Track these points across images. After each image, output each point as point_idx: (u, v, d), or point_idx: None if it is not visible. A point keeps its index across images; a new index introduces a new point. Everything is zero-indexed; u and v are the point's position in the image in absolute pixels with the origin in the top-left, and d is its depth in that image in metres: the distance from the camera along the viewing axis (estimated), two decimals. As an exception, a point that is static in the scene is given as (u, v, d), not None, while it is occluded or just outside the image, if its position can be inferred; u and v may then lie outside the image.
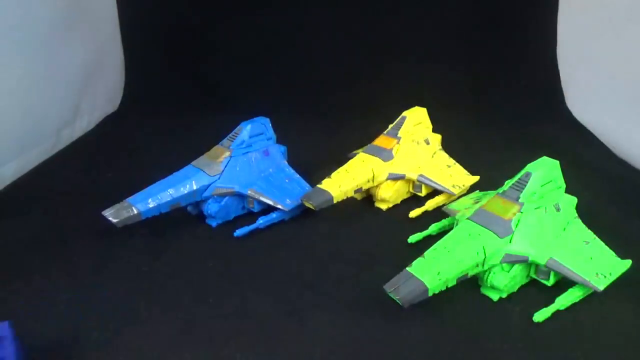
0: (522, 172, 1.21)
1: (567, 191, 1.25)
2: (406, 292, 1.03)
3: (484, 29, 2.46)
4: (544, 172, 1.19)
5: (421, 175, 1.54)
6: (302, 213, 1.47)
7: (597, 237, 1.19)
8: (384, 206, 1.54)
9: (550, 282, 1.15)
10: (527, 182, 1.18)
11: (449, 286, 1.09)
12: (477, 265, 1.11)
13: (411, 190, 1.59)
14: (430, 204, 1.53)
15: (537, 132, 2.06)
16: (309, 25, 2.59)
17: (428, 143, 1.62)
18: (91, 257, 1.34)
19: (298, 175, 1.55)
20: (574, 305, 1.12)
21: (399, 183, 1.55)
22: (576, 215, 1.23)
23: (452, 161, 1.62)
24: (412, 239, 1.38)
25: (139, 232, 1.41)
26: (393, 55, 2.51)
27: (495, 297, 1.15)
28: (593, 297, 1.13)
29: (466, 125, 2.12)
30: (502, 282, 1.12)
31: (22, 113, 1.83)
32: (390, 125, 1.62)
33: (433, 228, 1.38)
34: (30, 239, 1.43)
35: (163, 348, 1.04)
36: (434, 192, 1.56)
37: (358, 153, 1.61)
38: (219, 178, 1.46)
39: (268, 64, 2.59)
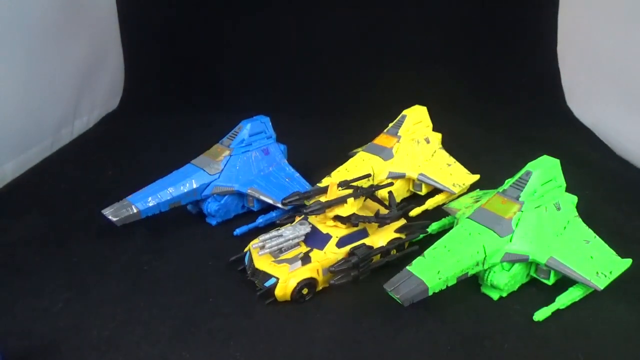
0: (523, 170, 1.21)
1: (568, 190, 1.25)
2: (406, 291, 1.03)
3: (484, 29, 2.47)
4: (545, 171, 1.19)
5: (421, 174, 1.54)
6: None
7: (597, 236, 1.18)
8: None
9: (550, 281, 1.15)
10: (527, 181, 1.18)
11: (449, 285, 1.09)
12: (478, 264, 1.11)
13: (411, 189, 1.59)
14: (430, 203, 1.53)
15: (538, 131, 2.06)
16: (310, 25, 2.59)
17: (428, 142, 1.62)
18: (91, 256, 1.34)
19: (298, 174, 1.55)
20: (574, 304, 1.12)
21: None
22: (576, 214, 1.23)
23: (452, 160, 1.62)
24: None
25: (138, 230, 1.41)
26: (394, 55, 2.52)
27: (495, 296, 1.15)
28: (593, 296, 1.12)
29: (466, 124, 2.12)
30: (503, 281, 1.12)
31: (22, 111, 1.83)
32: (391, 124, 1.62)
33: (433, 227, 1.38)
34: (30, 238, 1.43)
35: (163, 348, 1.04)
36: (434, 191, 1.56)
37: (358, 152, 1.61)
38: (218, 177, 1.46)
39: (268, 63, 2.60)
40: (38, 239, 1.42)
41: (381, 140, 1.59)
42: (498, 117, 2.23)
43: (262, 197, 1.45)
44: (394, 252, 1.26)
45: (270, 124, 1.57)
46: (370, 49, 2.55)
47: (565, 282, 1.14)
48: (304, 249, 1.20)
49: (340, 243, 1.21)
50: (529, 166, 1.21)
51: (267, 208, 1.47)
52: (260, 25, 2.60)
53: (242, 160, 1.50)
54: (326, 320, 1.11)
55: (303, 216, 1.26)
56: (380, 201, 1.37)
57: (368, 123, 1.76)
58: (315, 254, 1.19)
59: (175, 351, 1.03)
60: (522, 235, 1.14)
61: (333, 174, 1.51)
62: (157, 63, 2.62)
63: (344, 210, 1.21)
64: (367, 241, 1.23)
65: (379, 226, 1.26)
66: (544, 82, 2.32)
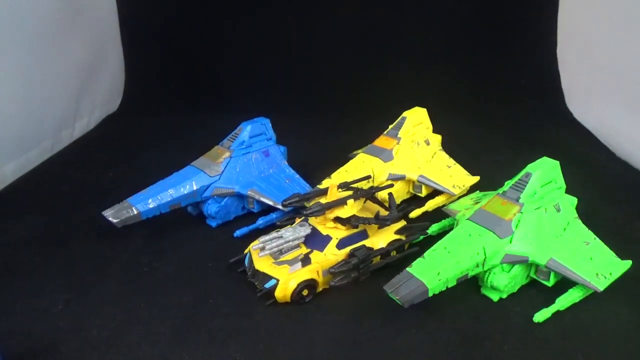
0: (522, 172, 1.21)
1: (567, 191, 1.25)
2: (406, 293, 1.03)
3: (484, 30, 2.47)
4: (544, 172, 1.19)
5: (421, 176, 1.54)
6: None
7: (597, 238, 1.19)
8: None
9: (550, 282, 1.15)
10: (527, 183, 1.18)
11: (449, 286, 1.09)
12: (477, 266, 1.11)
13: (411, 190, 1.59)
14: (430, 205, 1.53)
15: (538, 133, 2.07)
16: (310, 25, 2.59)
17: (428, 143, 1.62)
18: (91, 257, 1.34)
19: (298, 176, 1.55)
20: (573, 305, 1.12)
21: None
22: (576, 215, 1.23)
23: (452, 161, 1.62)
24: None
25: (139, 232, 1.41)
26: (394, 56, 2.52)
27: (495, 297, 1.15)
28: (593, 298, 1.13)
29: (466, 126, 2.12)
30: (503, 283, 1.12)
31: (23, 113, 1.83)
32: (391, 126, 1.62)
33: (433, 228, 1.38)
34: (30, 238, 1.43)
35: (163, 348, 1.04)
36: (434, 193, 1.56)
37: (358, 153, 1.61)
38: (219, 178, 1.46)
39: (268, 64, 2.60)
40: (38, 240, 1.42)
41: (381, 141, 1.60)
42: (498, 117, 2.24)
43: (262, 199, 1.45)
44: (394, 253, 1.26)
45: (270, 125, 1.57)
46: (370, 49, 2.56)
47: (565, 283, 1.14)
48: (304, 250, 1.20)
49: (340, 244, 1.21)
50: (529, 167, 1.21)
51: (267, 209, 1.47)
52: (260, 26, 2.60)
53: (242, 162, 1.50)
54: (326, 321, 1.11)
55: (303, 218, 1.26)
56: (380, 203, 1.37)
57: (368, 124, 1.76)
58: (315, 256, 1.19)
59: (175, 352, 1.03)
60: (522, 237, 1.14)
61: (333, 175, 1.51)
62: (158, 64, 2.62)
63: (344, 212, 1.21)
64: (367, 242, 1.24)
65: (379, 228, 1.27)
66: (543, 83, 2.32)
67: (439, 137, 1.66)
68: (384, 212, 1.29)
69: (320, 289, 1.19)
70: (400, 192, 1.55)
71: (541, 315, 1.08)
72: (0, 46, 1.71)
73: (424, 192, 1.56)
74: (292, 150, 1.65)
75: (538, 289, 1.17)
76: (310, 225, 1.24)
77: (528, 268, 1.17)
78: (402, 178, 1.54)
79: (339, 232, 1.22)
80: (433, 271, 1.06)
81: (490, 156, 1.86)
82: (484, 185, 1.55)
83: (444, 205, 1.46)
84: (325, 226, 1.23)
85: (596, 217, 1.31)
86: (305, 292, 1.15)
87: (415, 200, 1.56)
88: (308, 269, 1.16)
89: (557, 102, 2.26)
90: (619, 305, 1.12)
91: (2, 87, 1.72)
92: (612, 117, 1.92)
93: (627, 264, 1.15)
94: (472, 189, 1.56)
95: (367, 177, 1.46)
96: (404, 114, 1.61)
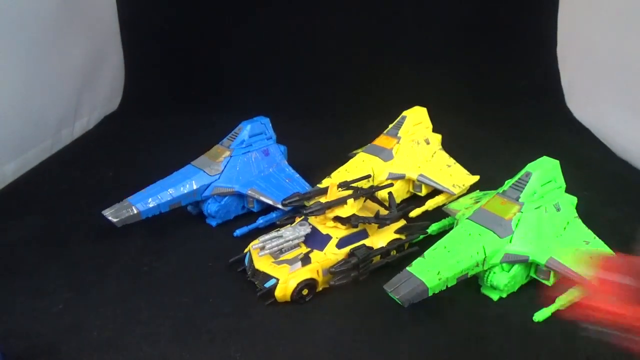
0: (522, 171, 1.21)
1: (567, 191, 1.25)
2: (406, 292, 1.03)
3: (484, 30, 2.47)
4: (544, 171, 1.19)
5: (421, 175, 1.54)
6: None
7: (597, 237, 1.18)
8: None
9: (550, 282, 1.15)
10: (527, 182, 1.18)
11: (449, 286, 1.09)
12: (477, 265, 1.11)
13: (411, 190, 1.59)
14: (430, 204, 1.53)
15: (537, 132, 2.07)
16: (310, 25, 2.59)
17: (428, 143, 1.62)
18: (91, 257, 1.34)
19: (298, 175, 1.55)
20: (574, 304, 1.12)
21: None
22: (576, 214, 1.23)
23: (452, 161, 1.62)
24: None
25: (139, 231, 1.41)
26: (394, 56, 2.52)
27: (495, 297, 1.15)
28: (593, 297, 1.12)
29: (466, 125, 2.12)
30: (502, 282, 1.12)
31: (22, 113, 1.83)
32: (390, 125, 1.62)
33: (433, 228, 1.38)
34: (30, 238, 1.43)
35: (163, 348, 1.04)
36: (434, 192, 1.56)
37: (358, 153, 1.61)
38: (219, 178, 1.46)
39: (268, 64, 2.60)
40: (38, 239, 1.42)
41: (381, 141, 1.60)
42: (498, 117, 2.23)
43: (262, 198, 1.45)
44: (393, 252, 1.26)
45: (270, 125, 1.58)
46: (370, 49, 2.56)
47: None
48: (304, 249, 1.20)
49: (340, 244, 1.21)
50: (529, 167, 1.21)
51: (267, 209, 1.47)
52: (260, 26, 2.61)
53: (242, 161, 1.50)
54: (326, 320, 1.11)
55: (303, 217, 1.26)
56: (380, 202, 1.37)
57: (368, 124, 1.76)
58: (315, 255, 1.19)
59: (175, 352, 1.03)
60: (522, 236, 1.14)
61: (333, 174, 1.51)
62: (158, 64, 2.62)
63: (344, 211, 1.21)
64: (367, 242, 1.24)
65: (379, 227, 1.27)
66: (544, 82, 2.32)
67: (438, 137, 1.66)
68: (384, 212, 1.29)
69: (320, 288, 1.19)
70: (400, 191, 1.55)
71: (541, 315, 1.08)
72: (0, 46, 1.71)
73: (423, 192, 1.56)
74: (292, 149, 1.65)
75: (538, 288, 1.17)
76: (310, 224, 1.24)
77: (528, 267, 1.17)
78: (402, 177, 1.54)
79: (339, 232, 1.22)
80: (433, 270, 1.06)
81: (490, 156, 1.86)
82: (484, 185, 1.55)
83: (444, 205, 1.46)
84: (325, 225, 1.23)
85: (596, 216, 1.31)
86: (305, 292, 1.15)
87: (415, 200, 1.56)
88: (308, 268, 1.16)
89: (557, 102, 2.26)
90: (619, 305, 1.12)
91: (2, 87, 1.72)
92: (612, 117, 1.92)
93: None
94: (472, 188, 1.56)
95: (367, 177, 1.46)
96: (404, 113, 1.61)
